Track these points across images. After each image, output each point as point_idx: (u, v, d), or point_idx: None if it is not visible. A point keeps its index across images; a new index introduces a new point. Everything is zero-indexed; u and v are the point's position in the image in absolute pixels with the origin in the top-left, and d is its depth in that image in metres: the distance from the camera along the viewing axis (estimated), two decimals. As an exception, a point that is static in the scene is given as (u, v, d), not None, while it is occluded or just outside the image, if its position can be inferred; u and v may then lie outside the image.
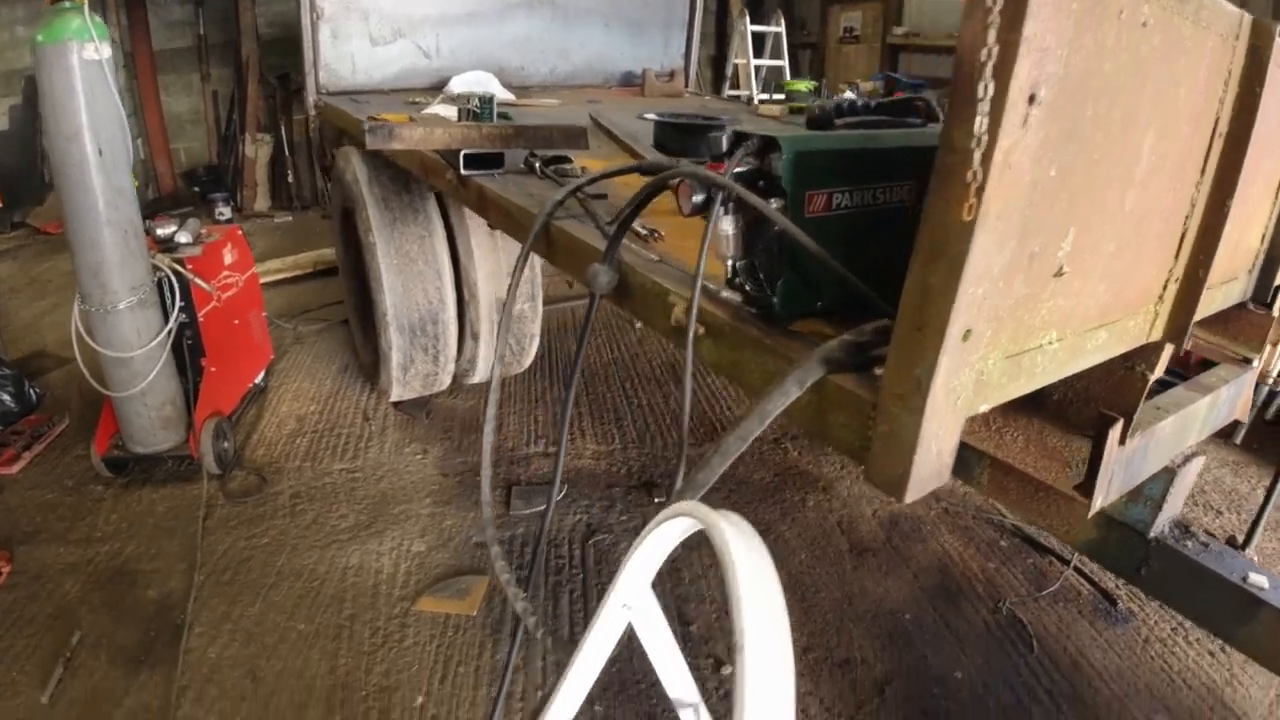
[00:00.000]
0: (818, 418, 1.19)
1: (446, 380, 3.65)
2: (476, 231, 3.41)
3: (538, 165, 2.32)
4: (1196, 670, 2.30)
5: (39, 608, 2.46)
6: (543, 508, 3.06)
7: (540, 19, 4.67)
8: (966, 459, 2.14)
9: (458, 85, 3.99)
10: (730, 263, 1.27)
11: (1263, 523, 1.77)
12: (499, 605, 2.55)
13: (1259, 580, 1.64)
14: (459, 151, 2.27)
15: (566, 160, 2.37)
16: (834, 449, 1.58)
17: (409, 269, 3.33)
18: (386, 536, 2.85)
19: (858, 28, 8.84)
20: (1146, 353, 1.34)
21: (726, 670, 2.32)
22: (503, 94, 4.07)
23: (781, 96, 5.49)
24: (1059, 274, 1.05)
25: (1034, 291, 1.03)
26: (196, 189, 7.85)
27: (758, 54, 7.56)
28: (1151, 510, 1.76)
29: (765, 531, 2.93)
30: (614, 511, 3.06)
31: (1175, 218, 1.23)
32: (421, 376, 3.55)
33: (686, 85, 5.03)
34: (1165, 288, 1.32)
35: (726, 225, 1.24)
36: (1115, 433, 1.25)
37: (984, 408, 1.14)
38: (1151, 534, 1.75)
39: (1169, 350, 1.35)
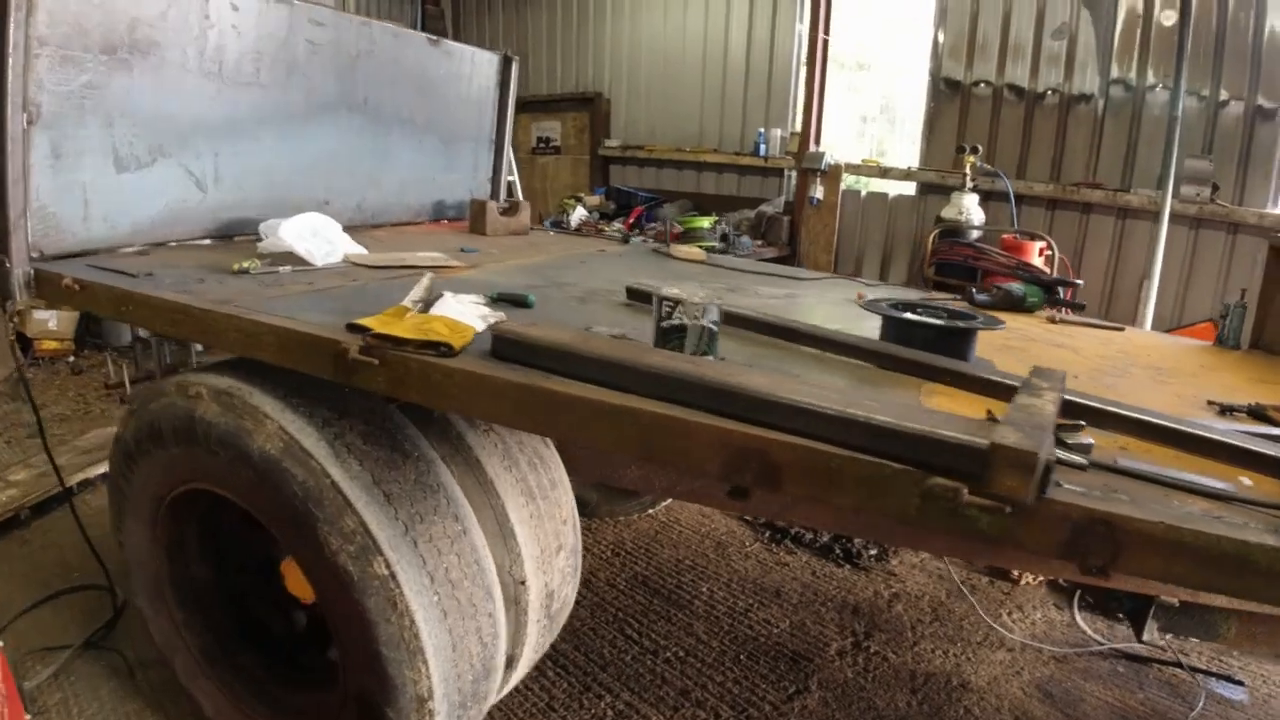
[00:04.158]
0: None
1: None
2: (506, 487, 2.14)
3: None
4: (1314, 706, 2.80)
5: None
6: None
7: (353, 127, 3.18)
8: (1211, 622, 2.23)
9: (290, 236, 2.47)
10: None
11: None
12: None
13: None
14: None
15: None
16: None
17: (454, 601, 1.91)
18: None
19: (555, 138, 8.37)
20: None
21: None
22: (351, 246, 2.70)
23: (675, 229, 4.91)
24: None
25: None
26: None
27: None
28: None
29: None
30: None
31: None
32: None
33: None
34: None
35: None
36: None
37: None
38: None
39: None
